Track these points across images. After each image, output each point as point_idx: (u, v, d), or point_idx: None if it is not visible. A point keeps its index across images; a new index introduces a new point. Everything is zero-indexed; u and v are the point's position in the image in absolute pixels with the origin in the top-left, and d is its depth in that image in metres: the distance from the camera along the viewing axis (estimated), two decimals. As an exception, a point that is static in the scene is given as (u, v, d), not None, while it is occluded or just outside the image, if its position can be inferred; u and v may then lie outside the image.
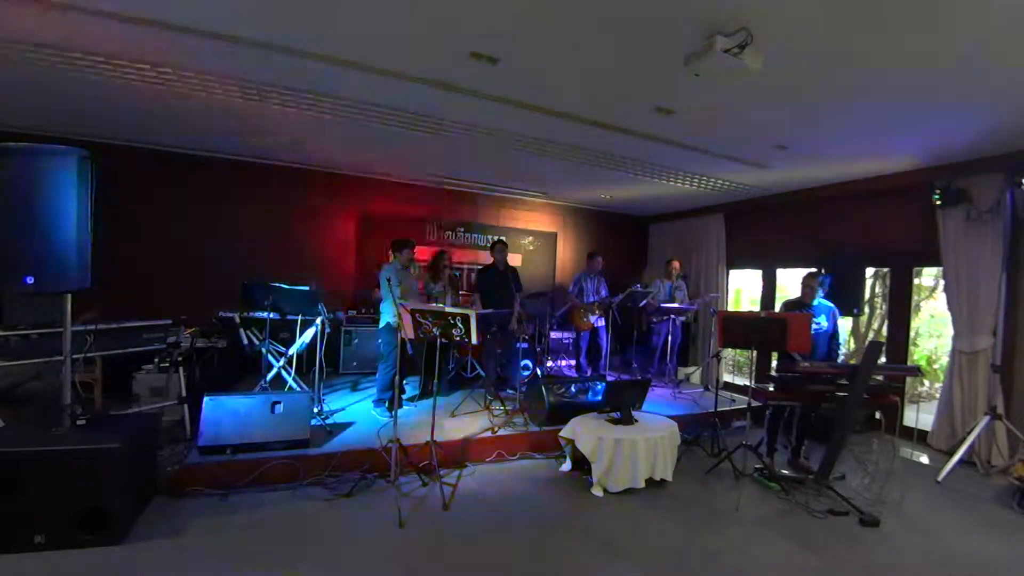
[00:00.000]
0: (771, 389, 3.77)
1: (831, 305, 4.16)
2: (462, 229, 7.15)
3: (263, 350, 4.45)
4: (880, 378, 3.60)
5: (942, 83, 2.98)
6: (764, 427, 4.12)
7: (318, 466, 3.41)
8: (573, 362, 6.49)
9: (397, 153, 5.29)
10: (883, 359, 4.68)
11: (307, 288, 4.29)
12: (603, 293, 6.23)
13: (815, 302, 4.08)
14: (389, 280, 3.99)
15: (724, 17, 2.40)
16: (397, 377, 3.81)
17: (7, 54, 3.12)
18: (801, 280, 4.19)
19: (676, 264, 6.57)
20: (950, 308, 4.52)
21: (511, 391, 5.17)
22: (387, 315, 4.55)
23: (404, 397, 4.98)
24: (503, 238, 5.88)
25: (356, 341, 5.93)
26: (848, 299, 4.81)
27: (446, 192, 6.95)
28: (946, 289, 4.57)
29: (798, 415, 3.91)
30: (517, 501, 3.32)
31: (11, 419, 3.19)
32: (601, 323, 6.16)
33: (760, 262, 6.74)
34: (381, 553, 2.61)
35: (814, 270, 4.21)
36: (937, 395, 5.24)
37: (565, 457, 3.90)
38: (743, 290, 7.98)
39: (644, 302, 6.12)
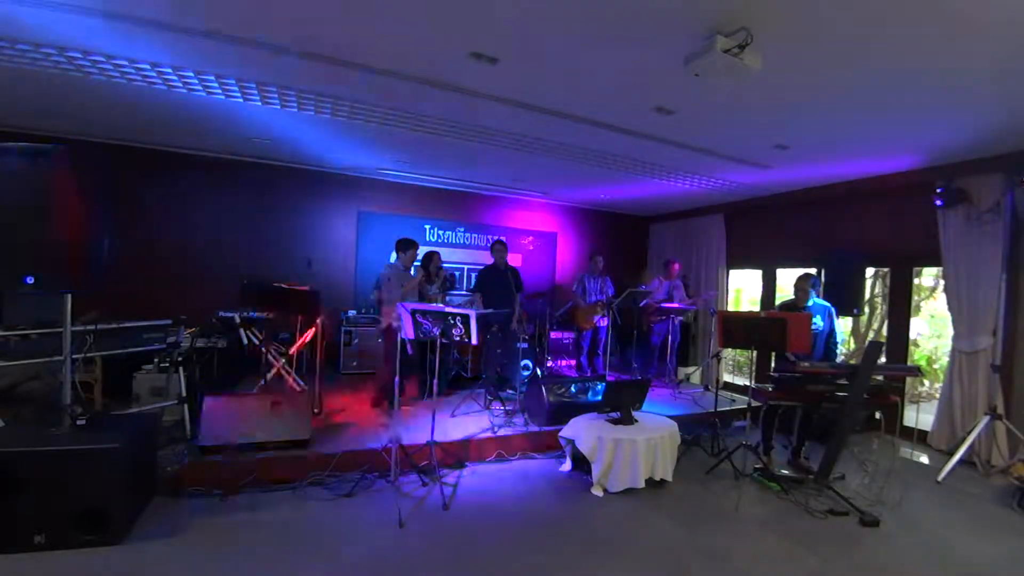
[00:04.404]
0: (771, 389, 3.77)
1: (827, 304, 4.14)
2: (462, 229, 7.16)
3: (263, 350, 4.45)
4: (880, 378, 3.60)
5: (944, 82, 2.98)
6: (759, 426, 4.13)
7: (318, 466, 3.41)
8: (573, 362, 6.49)
9: (397, 152, 5.29)
10: (883, 359, 4.68)
11: (307, 288, 4.29)
12: (609, 292, 6.22)
13: (810, 302, 4.07)
14: (390, 279, 3.98)
15: (724, 17, 2.40)
16: (395, 377, 3.80)
17: (7, 54, 3.13)
18: (794, 283, 4.19)
19: (676, 266, 6.58)
20: (950, 308, 4.52)
21: (511, 391, 5.17)
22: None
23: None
24: (503, 238, 5.88)
25: (356, 341, 5.93)
26: (848, 299, 4.80)
27: (446, 192, 6.95)
28: (946, 289, 4.57)
29: (799, 415, 3.91)
30: (517, 501, 3.32)
31: (11, 419, 3.19)
32: (603, 323, 6.16)
33: (760, 262, 6.73)
34: (381, 553, 2.61)
35: (806, 271, 4.20)
36: (937, 395, 5.24)
37: (565, 457, 3.90)
38: (743, 290, 7.98)
39: (645, 302, 6.12)
